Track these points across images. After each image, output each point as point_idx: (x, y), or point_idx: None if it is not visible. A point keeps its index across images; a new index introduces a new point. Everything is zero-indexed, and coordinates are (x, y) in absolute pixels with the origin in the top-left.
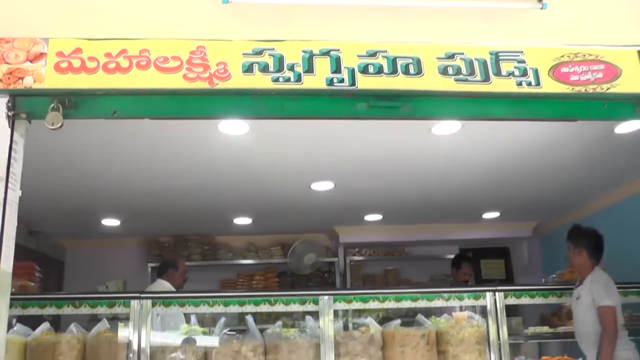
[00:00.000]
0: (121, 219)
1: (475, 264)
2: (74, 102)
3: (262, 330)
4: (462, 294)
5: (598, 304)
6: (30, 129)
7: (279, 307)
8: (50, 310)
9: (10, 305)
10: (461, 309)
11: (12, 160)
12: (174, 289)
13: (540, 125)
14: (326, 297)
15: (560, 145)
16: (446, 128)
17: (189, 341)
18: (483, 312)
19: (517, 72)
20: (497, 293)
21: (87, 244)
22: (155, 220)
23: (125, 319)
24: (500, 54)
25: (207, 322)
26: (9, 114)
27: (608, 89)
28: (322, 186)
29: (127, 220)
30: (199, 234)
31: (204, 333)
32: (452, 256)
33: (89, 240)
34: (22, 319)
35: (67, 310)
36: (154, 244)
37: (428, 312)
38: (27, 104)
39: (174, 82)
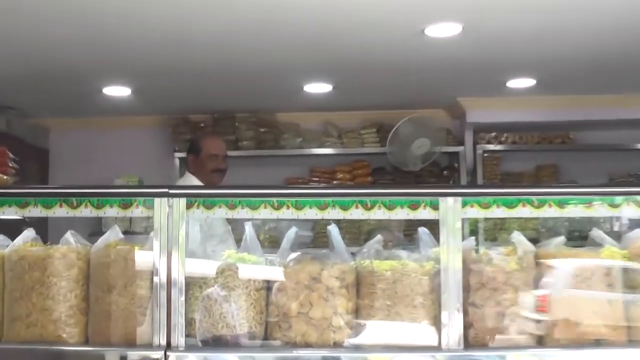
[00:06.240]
0: (133, 85)
1: None
2: None
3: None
4: None
5: None
6: None
7: (379, 214)
8: (35, 212)
9: None
10: None
11: None
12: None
13: None
14: (451, 199)
15: None
16: None
17: (230, 267)
18: None
19: None
20: None
21: (83, 126)
22: (185, 87)
23: (144, 232)
24: None
25: (267, 244)
26: None
27: None
28: (443, 30)
29: (141, 88)
30: (250, 110)
31: (256, 261)
32: None
33: (84, 120)
34: None
35: (60, 211)
36: (183, 124)
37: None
38: None
39: None
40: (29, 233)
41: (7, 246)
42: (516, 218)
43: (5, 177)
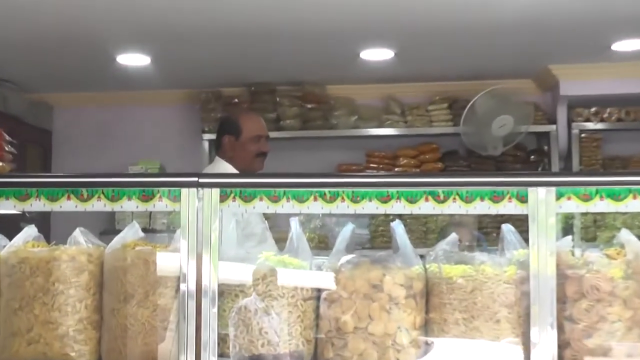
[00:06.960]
0: (153, 52)
1: None
2: None
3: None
4: None
5: None
6: None
7: (453, 207)
8: (38, 205)
9: None
10: None
11: None
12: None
13: None
14: (542, 190)
15: None
16: None
17: (272, 272)
18: None
19: None
20: None
21: (92, 102)
22: (216, 54)
23: (167, 230)
24: None
25: (312, 244)
26: None
27: None
28: None
29: (163, 56)
30: (294, 82)
31: (301, 265)
32: None
33: (94, 95)
34: None
35: (68, 205)
36: (213, 100)
37: None
38: None
39: None
40: (30, 231)
41: (4, 247)
42: (623, 213)
43: (0, 163)
